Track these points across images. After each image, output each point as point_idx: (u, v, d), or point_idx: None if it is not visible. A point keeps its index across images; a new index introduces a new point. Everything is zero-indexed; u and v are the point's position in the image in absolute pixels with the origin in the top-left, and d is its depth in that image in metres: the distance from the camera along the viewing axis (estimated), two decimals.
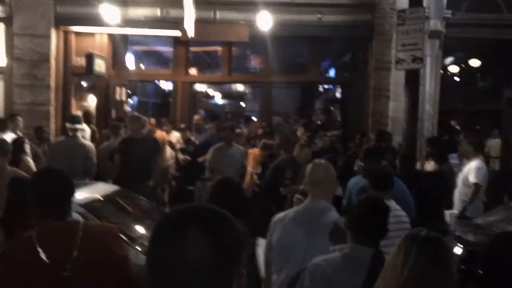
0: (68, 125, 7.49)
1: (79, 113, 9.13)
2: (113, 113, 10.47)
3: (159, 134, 9.87)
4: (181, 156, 9.39)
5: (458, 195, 7.06)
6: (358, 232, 2.83)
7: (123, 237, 2.59)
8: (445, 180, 6.29)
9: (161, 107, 19.26)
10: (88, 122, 8.90)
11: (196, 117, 10.95)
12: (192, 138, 9.82)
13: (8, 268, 2.36)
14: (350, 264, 2.76)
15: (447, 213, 5.79)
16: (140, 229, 5.28)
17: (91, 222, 2.71)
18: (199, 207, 1.30)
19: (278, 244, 3.31)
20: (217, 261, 1.21)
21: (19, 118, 8.81)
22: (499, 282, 2.34)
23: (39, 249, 2.37)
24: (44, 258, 2.35)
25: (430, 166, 6.47)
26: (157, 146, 7.69)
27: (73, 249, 2.40)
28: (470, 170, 6.91)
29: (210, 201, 3.46)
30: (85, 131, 7.48)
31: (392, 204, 4.31)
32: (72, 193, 2.64)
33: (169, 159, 10.25)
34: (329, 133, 9.15)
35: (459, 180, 7.11)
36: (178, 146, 9.83)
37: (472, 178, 6.83)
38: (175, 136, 10.38)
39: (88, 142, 7.57)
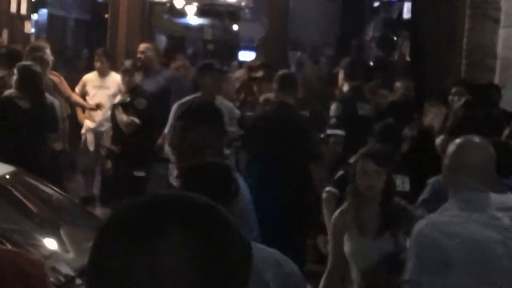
0: None
1: None
2: (5, 35, 8.55)
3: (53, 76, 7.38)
4: (124, 117, 6.60)
5: None
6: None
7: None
8: None
9: (90, 28, 15.51)
10: None
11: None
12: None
13: None
14: None
15: None
16: (51, 242, 4.15)
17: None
18: (177, 197, 0.98)
19: (468, 245, 3.15)
20: (208, 282, 0.90)
21: None
22: None
23: None
24: None
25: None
26: None
27: None
28: None
29: None
30: None
31: None
32: None
33: (103, 123, 7.50)
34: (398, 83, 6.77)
35: None
36: (117, 99, 7.10)
37: None
38: (114, 80, 7.50)
39: None
